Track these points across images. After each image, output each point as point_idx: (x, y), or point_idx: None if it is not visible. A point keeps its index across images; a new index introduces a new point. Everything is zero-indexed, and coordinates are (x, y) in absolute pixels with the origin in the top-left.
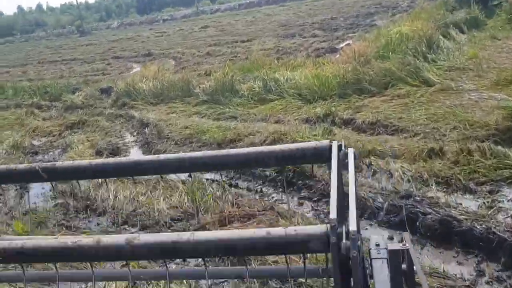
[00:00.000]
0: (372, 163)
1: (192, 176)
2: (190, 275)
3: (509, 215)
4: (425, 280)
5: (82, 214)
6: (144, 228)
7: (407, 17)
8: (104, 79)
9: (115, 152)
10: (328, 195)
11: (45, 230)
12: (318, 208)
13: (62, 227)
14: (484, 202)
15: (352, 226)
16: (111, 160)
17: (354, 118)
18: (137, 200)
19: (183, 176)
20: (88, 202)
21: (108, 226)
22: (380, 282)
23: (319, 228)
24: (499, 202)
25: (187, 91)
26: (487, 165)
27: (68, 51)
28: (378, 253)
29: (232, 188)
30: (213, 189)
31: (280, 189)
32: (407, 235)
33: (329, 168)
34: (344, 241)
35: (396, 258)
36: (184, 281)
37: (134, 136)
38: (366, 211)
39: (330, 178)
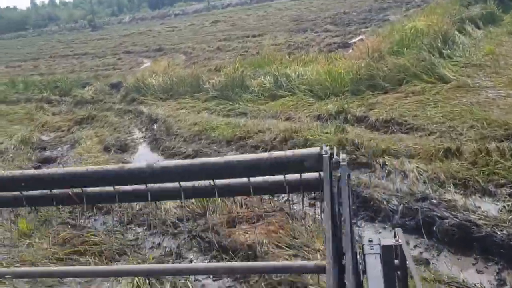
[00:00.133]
0: (386, 163)
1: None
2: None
3: None
4: (418, 275)
5: (88, 213)
6: (150, 228)
7: (421, 12)
8: (115, 74)
9: (123, 148)
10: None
11: (50, 228)
12: None
13: (67, 225)
14: (504, 206)
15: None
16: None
17: (367, 116)
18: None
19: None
20: None
21: (114, 226)
22: (373, 278)
23: (313, 149)
24: None
25: (196, 87)
26: (507, 166)
27: (79, 45)
28: (371, 249)
29: None
30: None
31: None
32: (400, 231)
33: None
34: (335, 156)
35: (389, 254)
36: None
37: (142, 132)
38: (379, 214)
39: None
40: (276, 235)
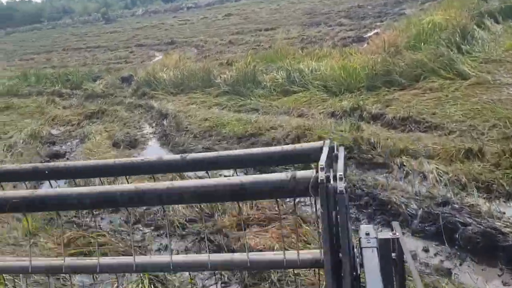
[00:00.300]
0: (404, 163)
1: (209, 173)
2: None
3: None
4: (416, 269)
5: (95, 211)
6: (158, 229)
7: (438, 5)
8: (126, 67)
9: (132, 144)
10: (354, 198)
11: (55, 227)
12: None
13: (73, 224)
14: None
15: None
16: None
17: (383, 113)
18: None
19: (200, 173)
20: None
21: (120, 225)
22: (371, 271)
23: (319, 144)
24: None
25: (207, 81)
26: None
27: (92, 38)
28: (368, 242)
29: None
30: None
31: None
32: (397, 224)
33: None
34: (335, 152)
35: (386, 247)
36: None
37: (153, 127)
38: (397, 218)
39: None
40: (288, 240)
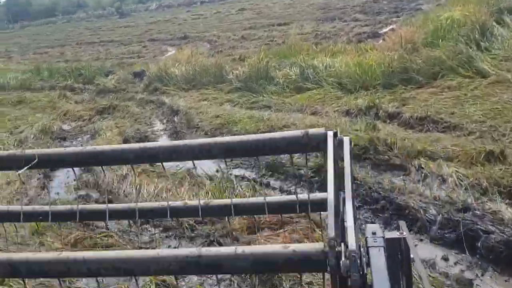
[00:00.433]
0: (422, 165)
1: (220, 172)
2: None
3: None
4: (424, 269)
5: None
6: (167, 230)
7: (456, 1)
8: (139, 62)
9: (142, 141)
10: (370, 202)
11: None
12: (359, 216)
13: (81, 223)
14: None
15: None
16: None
17: (400, 112)
18: (161, 196)
19: (211, 172)
20: (111, 196)
21: (128, 226)
22: (377, 271)
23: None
24: None
25: (220, 77)
26: None
27: (106, 32)
28: (374, 241)
29: (263, 188)
30: (242, 188)
31: (317, 191)
32: (403, 223)
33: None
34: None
35: (393, 247)
36: None
37: (163, 123)
38: (415, 224)
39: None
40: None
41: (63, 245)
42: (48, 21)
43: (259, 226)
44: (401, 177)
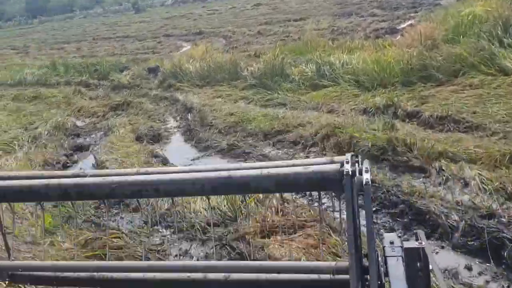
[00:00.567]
0: (443, 168)
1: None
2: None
3: None
4: (443, 279)
5: (115, 209)
6: (179, 231)
7: None
8: (153, 57)
9: (155, 138)
10: (388, 206)
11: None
12: (377, 221)
13: (92, 224)
14: None
15: None
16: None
17: (419, 111)
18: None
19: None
20: None
21: (139, 227)
22: (396, 281)
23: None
24: None
25: (234, 74)
26: None
27: (122, 28)
28: (392, 251)
29: None
30: None
31: (333, 193)
32: (422, 232)
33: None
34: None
35: (412, 256)
36: None
37: (177, 121)
38: (436, 230)
39: None
40: (316, 251)
41: (73, 246)
42: (66, 16)
43: (273, 230)
44: (421, 179)
